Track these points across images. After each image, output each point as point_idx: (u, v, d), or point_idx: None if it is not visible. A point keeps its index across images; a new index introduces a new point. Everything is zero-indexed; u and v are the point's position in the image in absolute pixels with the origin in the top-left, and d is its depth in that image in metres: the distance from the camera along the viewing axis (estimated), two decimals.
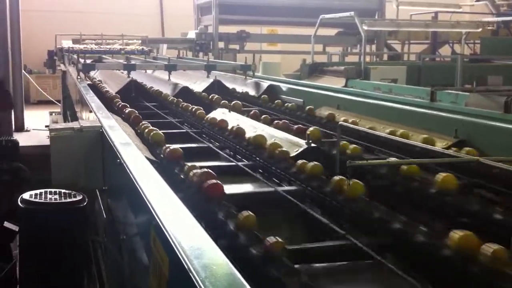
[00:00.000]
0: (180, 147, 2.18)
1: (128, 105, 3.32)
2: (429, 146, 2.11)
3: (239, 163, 2.27)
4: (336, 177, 1.69)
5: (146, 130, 2.53)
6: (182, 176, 1.85)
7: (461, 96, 3.97)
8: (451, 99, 3.98)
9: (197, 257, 0.95)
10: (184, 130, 3.11)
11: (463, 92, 4.13)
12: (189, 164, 1.91)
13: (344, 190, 1.63)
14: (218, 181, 1.62)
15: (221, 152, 2.58)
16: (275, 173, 2.08)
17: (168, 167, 2.01)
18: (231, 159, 2.41)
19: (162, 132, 2.47)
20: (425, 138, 2.44)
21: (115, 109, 3.37)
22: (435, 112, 2.85)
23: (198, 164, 2.02)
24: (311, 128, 2.48)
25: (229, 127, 2.70)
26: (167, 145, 2.19)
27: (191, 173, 1.75)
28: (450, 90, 4.23)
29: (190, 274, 0.90)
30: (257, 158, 2.26)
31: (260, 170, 2.19)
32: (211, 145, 2.72)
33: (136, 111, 3.08)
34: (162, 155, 2.15)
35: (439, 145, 2.39)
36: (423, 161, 1.89)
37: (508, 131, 2.34)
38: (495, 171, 1.82)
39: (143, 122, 2.73)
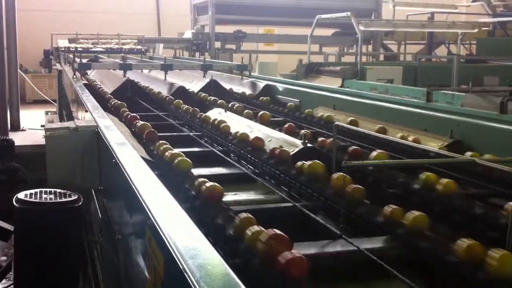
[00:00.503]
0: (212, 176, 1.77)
1: (138, 117, 2.88)
2: (425, 147, 2.11)
3: (297, 204, 1.71)
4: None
5: (168, 155, 2.00)
6: (231, 233, 1.31)
7: (457, 97, 3.98)
8: (447, 99, 3.99)
9: (192, 257, 0.95)
10: (206, 150, 2.67)
11: (459, 92, 4.13)
12: (240, 213, 1.34)
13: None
14: (298, 253, 1.11)
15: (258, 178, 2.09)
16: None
17: (204, 211, 1.49)
18: (286, 197, 1.82)
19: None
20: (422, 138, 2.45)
21: (123, 120, 3.07)
22: (431, 113, 2.85)
23: (236, 196, 1.83)
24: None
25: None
26: (202, 179, 1.63)
27: (249, 232, 1.21)
28: (446, 91, 4.24)
29: (185, 274, 0.89)
30: (321, 197, 1.74)
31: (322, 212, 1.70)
32: (246, 170, 2.23)
33: (149, 124, 2.61)
34: (194, 192, 1.62)
35: (434, 145, 2.39)
36: (419, 161, 1.89)
37: (504, 131, 2.35)
38: (491, 172, 1.83)
39: (161, 142, 2.24)
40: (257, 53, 11.75)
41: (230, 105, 3.60)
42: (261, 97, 4.21)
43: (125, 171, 1.57)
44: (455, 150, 2.17)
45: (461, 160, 1.80)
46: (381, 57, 11.44)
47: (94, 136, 2.46)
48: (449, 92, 4.16)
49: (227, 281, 0.89)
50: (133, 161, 1.70)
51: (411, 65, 8.04)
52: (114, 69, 5.17)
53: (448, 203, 1.61)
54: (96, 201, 2.71)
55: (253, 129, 2.65)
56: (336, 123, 2.03)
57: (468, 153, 2.14)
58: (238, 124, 2.78)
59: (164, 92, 4.37)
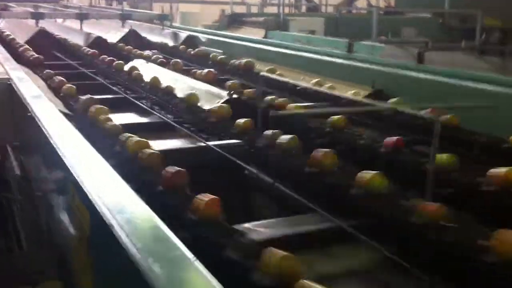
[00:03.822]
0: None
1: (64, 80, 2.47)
2: (348, 96, 2.15)
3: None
4: None
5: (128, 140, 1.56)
6: None
7: (377, 48, 4.07)
8: (367, 50, 4.07)
9: (120, 212, 0.91)
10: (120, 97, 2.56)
11: (379, 43, 4.23)
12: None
13: None
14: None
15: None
16: None
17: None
18: None
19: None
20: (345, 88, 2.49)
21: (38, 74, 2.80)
22: (352, 63, 2.90)
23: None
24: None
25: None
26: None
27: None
28: (366, 42, 4.32)
29: (113, 229, 0.86)
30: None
31: None
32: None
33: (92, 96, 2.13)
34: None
35: (356, 95, 2.43)
36: (343, 111, 1.92)
37: (422, 80, 2.43)
38: (411, 119, 1.90)
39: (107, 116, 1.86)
40: (178, 3, 11.40)
41: (152, 56, 3.50)
42: (184, 48, 4.11)
43: (43, 125, 1.48)
44: (377, 99, 2.23)
45: (383, 108, 1.84)
46: (303, 9, 11.47)
47: (7, 89, 2.31)
48: (370, 43, 4.24)
49: (157, 234, 0.86)
50: (50, 114, 1.62)
51: (333, 17, 8.12)
52: (25, 18, 4.86)
53: None
54: (12, 157, 2.57)
55: (178, 81, 2.59)
56: (261, 73, 2.02)
57: (392, 100, 2.17)
58: (162, 76, 2.71)
59: (81, 43, 4.17)
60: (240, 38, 4.27)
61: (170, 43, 4.50)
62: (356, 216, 1.27)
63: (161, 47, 4.33)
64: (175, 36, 4.61)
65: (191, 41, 4.41)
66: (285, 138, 1.60)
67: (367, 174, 1.29)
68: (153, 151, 1.42)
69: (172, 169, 1.25)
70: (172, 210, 1.18)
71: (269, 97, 2.26)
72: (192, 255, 0.79)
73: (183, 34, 4.53)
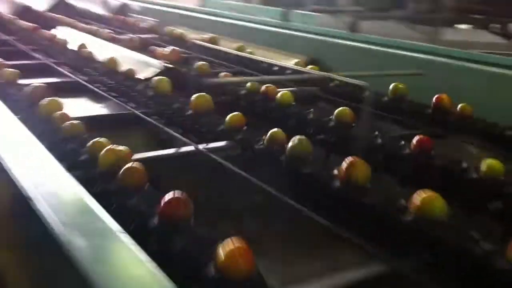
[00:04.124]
0: None
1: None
2: (282, 63, 2.14)
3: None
4: None
5: None
6: None
7: (312, 17, 4.07)
8: (303, 19, 4.07)
9: (41, 184, 0.88)
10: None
11: (314, 12, 4.24)
12: None
13: None
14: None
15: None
16: None
17: None
18: None
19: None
20: (280, 57, 2.48)
21: None
22: (287, 31, 2.90)
23: None
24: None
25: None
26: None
27: None
28: (301, 11, 4.32)
29: (33, 203, 0.83)
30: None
31: None
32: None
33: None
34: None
35: (291, 63, 2.44)
36: (276, 78, 1.92)
37: (354, 48, 2.46)
38: (344, 87, 1.92)
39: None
40: None
41: (83, 25, 3.37)
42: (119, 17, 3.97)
43: None
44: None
45: (316, 76, 1.85)
46: None
47: None
48: (305, 12, 4.24)
49: (81, 207, 0.83)
50: None
51: None
52: None
53: None
54: None
55: (108, 50, 2.50)
56: (194, 41, 1.98)
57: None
58: (92, 44, 2.61)
59: (7, 11, 3.95)
60: (175, 6, 4.18)
61: (102, 11, 4.34)
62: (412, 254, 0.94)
63: (95, 17, 4.16)
64: (107, 4, 4.45)
65: (124, 10, 4.28)
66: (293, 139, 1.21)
67: (419, 196, 0.94)
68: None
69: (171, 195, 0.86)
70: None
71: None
72: (119, 227, 0.77)
73: (116, 2, 4.38)
